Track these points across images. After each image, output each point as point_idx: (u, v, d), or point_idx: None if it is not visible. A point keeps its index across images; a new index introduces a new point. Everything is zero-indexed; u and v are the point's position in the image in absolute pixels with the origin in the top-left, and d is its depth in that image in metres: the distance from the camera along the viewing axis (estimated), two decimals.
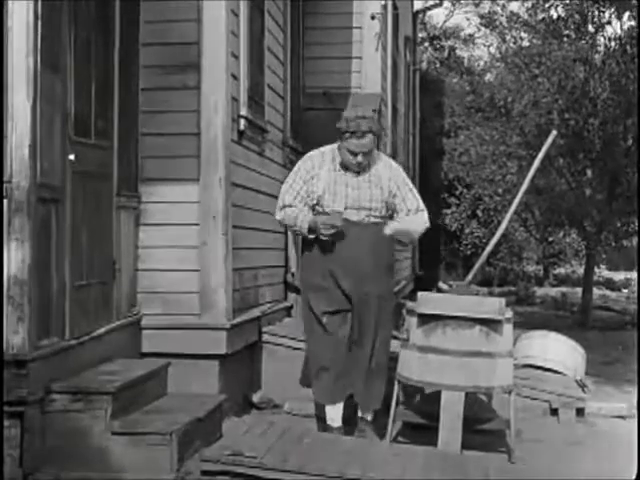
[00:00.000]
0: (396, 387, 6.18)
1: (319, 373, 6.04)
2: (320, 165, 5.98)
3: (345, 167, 5.95)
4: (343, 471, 4.92)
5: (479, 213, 22.22)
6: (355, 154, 5.86)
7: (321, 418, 6.27)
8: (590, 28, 15.29)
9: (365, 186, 5.92)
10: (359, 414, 6.13)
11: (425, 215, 6.06)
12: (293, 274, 9.20)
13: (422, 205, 6.06)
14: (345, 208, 5.88)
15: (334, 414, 6.04)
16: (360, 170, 5.93)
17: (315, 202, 5.93)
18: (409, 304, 6.13)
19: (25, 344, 5.00)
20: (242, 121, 7.43)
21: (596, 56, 14.97)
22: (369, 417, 6.13)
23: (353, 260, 5.88)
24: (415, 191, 6.08)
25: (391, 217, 6.05)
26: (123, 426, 5.25)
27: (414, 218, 6.03)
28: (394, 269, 6.20)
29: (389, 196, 5.94)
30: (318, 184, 5.92)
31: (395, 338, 6.43)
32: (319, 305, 6.00)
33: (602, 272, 26.00)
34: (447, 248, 23.75)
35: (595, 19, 15.17)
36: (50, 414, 5.18)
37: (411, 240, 6.03)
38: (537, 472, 5.90)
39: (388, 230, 5.94)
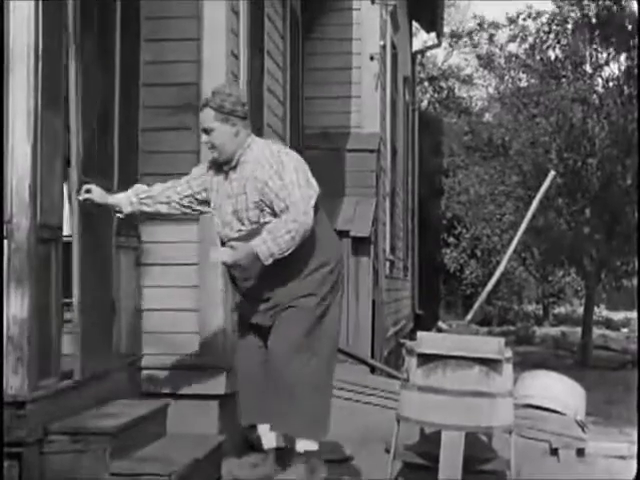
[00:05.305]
0: (396, 427, 6.16)
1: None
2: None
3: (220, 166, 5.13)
4: None
5: (478, 253, 22.27)
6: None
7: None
8: (588, 69, 15.42)
9: (238, 192, 5.00)
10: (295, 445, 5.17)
11: (293, 212, 4.78)
12: None
13: (294, 197, 4.80)
14: (228, 223, 5.07)
15: (266, 435, 5.37)
16: (213, 152, 5.06)
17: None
18: (409, 343, 6.12)
19: (24, 385, 4.97)
20: None
21: (594, 96, 15.07)
22: (300, 449, 5.10)
23: (244, 283, 5.12)
24: (293, 181, 4.84)
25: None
26: (122, 467, 5.20)
27: (272, 227, 4.81)
28: (306, 273, 5.00)
29: (260, 196, 4.91)
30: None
31: (395, 378, 6.39)
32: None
33: (602, 311, 26.04)
34: (447, 287, 23.77)
35: (593, 59, 15.30)
36: (49, 455, 5.14)
37: (281, 253, 4.76)
38: None
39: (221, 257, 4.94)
